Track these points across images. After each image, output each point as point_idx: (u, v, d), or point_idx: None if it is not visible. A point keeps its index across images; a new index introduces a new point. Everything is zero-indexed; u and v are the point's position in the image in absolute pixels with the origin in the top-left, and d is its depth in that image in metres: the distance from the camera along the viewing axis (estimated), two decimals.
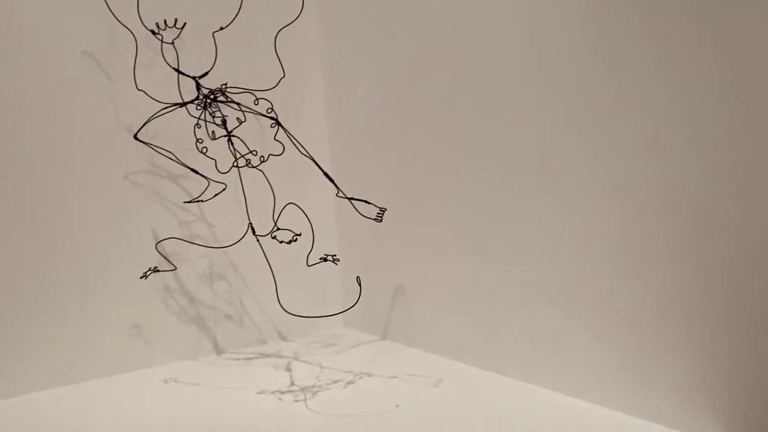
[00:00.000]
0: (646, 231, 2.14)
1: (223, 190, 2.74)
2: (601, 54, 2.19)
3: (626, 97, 2.14)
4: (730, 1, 1.87)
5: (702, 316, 2.03)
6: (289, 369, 2.82)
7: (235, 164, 2.67)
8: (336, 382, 2.64)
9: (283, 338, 3.15)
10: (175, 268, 2.82)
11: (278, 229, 2.66)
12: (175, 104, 2.67)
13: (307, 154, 2.63)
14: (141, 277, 2.72)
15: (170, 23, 2.64)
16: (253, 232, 2.67)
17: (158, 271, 2.76)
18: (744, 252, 1.93)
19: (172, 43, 2.66)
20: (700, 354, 2.03)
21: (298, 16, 2.69)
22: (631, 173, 2.15)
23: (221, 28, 2.66)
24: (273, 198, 2.67)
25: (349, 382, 2.64)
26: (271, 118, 2.63)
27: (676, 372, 2.10)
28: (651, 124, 2.08)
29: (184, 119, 2.68)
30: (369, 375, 2.69)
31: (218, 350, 3.04)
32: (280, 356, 2.96)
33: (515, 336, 2.57)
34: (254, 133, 2.71)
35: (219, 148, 2.68)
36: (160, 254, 2.79)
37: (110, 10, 2.58)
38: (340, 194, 2.67)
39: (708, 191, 1.98)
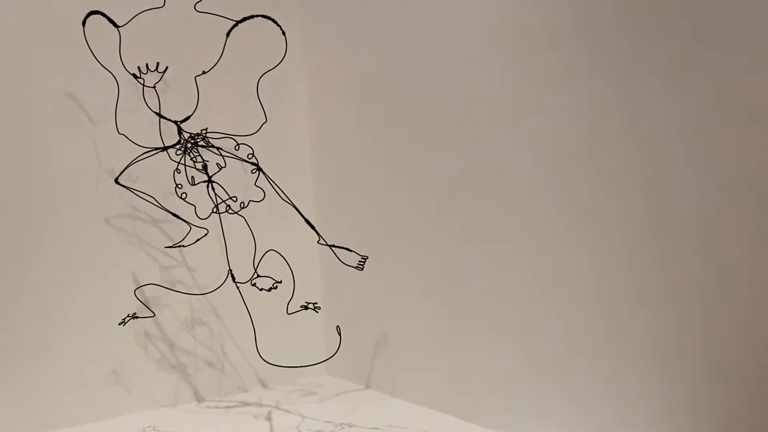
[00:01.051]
0: (627, 285, 2.14)
1: (205, 235, 2.72)
2: (589, 93, 2.19)
3: (613, 156, 2.13)
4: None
5: (682, 374, 2.02)
6: (269, 418, 2.77)
7: (215, 210, 2.65)
8: None
9: (264, 386, 3.10)
10: (154, 315, 2.78)
11: (258, 276, 2.63)
12: (156, 149, 2.65)
13: (288, 201, 2.60)
14: (120, 324, 2.68)
15: (152, 67, 2.63)
16: (233, 279, 2.64)
17: (137, 317, 2.73)
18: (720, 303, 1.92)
19: (154, 87, 2.65)
20: (680, 415, 2.02)
21: (281, 61, 2.68)
22: (611, 220, 2.15)
23: (203, 73, 2.65)
24: (254, 244, 2.65)
25: None
26: (252, 163, 2.61)
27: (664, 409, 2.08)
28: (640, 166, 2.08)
29: (165, 163, 2.66)
30: (350, 426, 2.64)
31: (198, 398, 2.99)
32: (261, 405, 2.92)
33: (498, 387, 2.53)
34: (235, 178, 2.69)
35: (200, 194, 2.66)
36: (139, 300, 2.76)
37: (92, 53, 2.56)
38: (322, 241, 2.65)
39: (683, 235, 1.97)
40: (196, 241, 2.72)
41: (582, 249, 2.24)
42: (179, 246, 2.77)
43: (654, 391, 2.09)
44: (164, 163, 2.66)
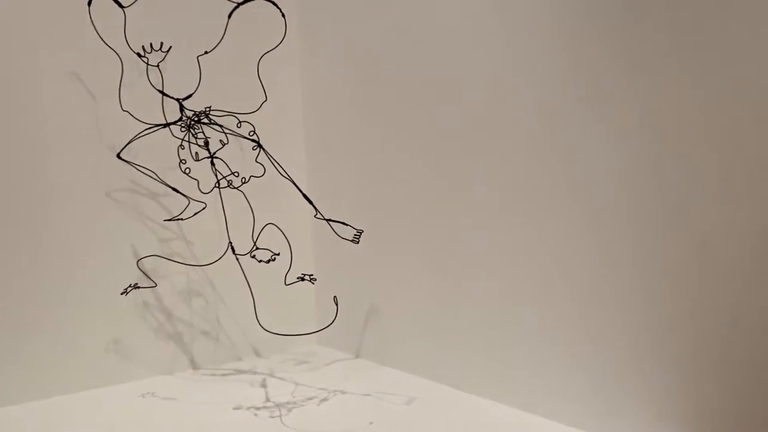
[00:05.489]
0: (618, 257, 2.22)
1: (203, 209, 2.81)
2: (581, 77, 2.28)
3: (606, 135, 2.24)
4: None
5: (673, 345, 2.10)
6: (264, 385, 2.87)
7: (217, 185, 2.73)
8: (310, 399, 2.70)
9: (258, 355, 3.20)
10: (155, 285, 2.87)
11: (257, 248, 2.72)
12: (159, 125, 2.73)
13: (287, 176, 2.69)
14: (122, 294, 2.77)
15: (156, 47, 2.70)
16: (233, 251, 2.73)
17: (138, 287, 2.82)
18: (711, 281, 2.02)
19: (158, 65, 2.72)
20: (670, 380, 2.11)
21: (280, 42, 2.75)
22: (605, 200, 2.24)
23: (206, 52, 2.72)
24: (253, 218, 2.74)
25: (324, 399, 2.69)
26: (253, 140, 2.69)
27: (646, 397, 2.17)
28: (629, 160, 2.19)
29: (166, 140, 2.74)
30: (343, 393, 2.75)
31: (194, 366, 3.09)
32: (256, 372, 3.02)
33: (487, 356, 2.64)
34: (236, 154, 2.77)
35: (201, 169, 2.75)
36: (141, 271, 2.84)
37: (97, 32, 2.62)
38: (319, 215, 2.74)
39: (681, 220, 2.08)
40: (194, 215, 2.81)
41: (578, 225, 2.32)
42: (178, 219, 2.86)
43: (643, 352, 2.18)
44: (165, 139, 2.74)
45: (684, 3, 1.98)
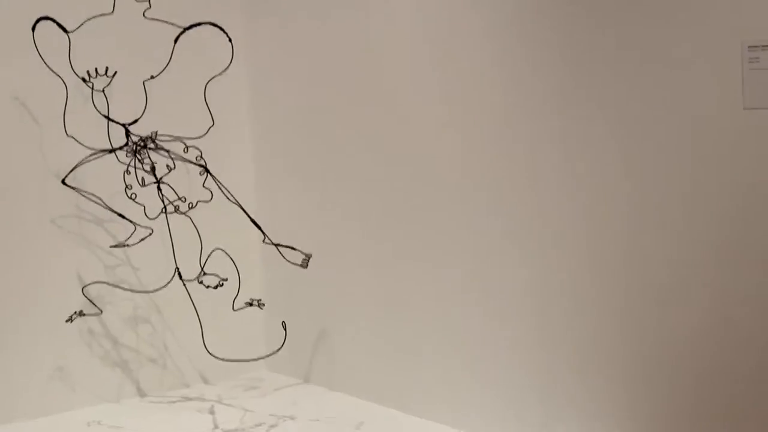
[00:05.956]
0: (558, 288, 2.29)
1: (150, 235, 2.78)
2: (526, 94, 2.33)
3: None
4: None
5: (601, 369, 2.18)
6: (212, 412, 2.84)
7: (164, 210, 2.71)
8: (259, 425, 2.68)
9: (206, 381, 3.17)
10: (101, 312, 2.83)
11: (205, 274, 2.71)
12: (104, 150, 2.71)
13: (234, 201, 2.69)
14: (66, 321, 2.73)
15: (101, 71, 2.68)
16: (180, 276, 2.71)
17: (83, 314, 2.78)
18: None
19: (103, 90, 2.70)
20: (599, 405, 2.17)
21: (227, 67, 2.76)
22: (554, 226, 2.29)
23: (152, 77, 2.72)
24: (200, 243, 2.72)
25: (272, 426, 2.67)
26: (200, 165, 2.69)
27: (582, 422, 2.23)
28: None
29: (112, 165, 2.72)
30: (292, 418, 2.73)
31: (141, 393, 3.05)
32: (204, 399, 2.99)
33: (434, 379, 2.65)
34: (183, 179, 2.76)
35: (148, 195, 2.72)
36: (86, 298, 2.80)
37: (41, 57, 2.60)
38: (267, 240, 2.74)
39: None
40: (140, 241, 2.78)
41: (514, 255, 2.39)
42: (124, 245, 2.83)
43: (577, 387, 2.25)
44: (111, 165, 2.72)
45: None
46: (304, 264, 2.70)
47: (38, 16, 2.60)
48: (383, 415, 2.74)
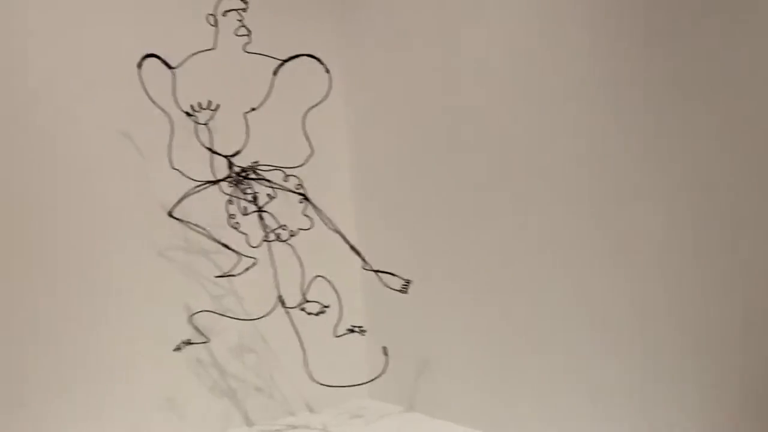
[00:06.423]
0: (653, 300, 2.25)
1: (254, 264, 2.83)
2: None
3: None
4: None
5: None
6: None
7: (266, 239, 2.76)
8: None
9: (311, 410, 3.20)
10: (208, 341, 2.88)
11: (307, 301, 2.74)
12: (209, 182, 2.77)
13: (334, 228, 2.72)
14: (174, 350, 2.80)
15: (204, 105, 2.76)
16: (283, 304, 2.75)
17: (191, 343, 2.83)
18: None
19: (206, 124, 2.77)
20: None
21: (326, 96, 2.80)
22: (641, 246, 2.26)
23: (252, 109, 2.78)
24: (302, 271, 2.76)
25: None
26: (300, 194, 2.73)
27: None
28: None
29: (215, 196, 2.78)
30: None
31: (249, 422, 3.09)
32: (309, 428, 3.01)
33: (538, 407, 2.62)
34: (283, 208, 2.80)
35: (250, 224, 2.78)
36: (193, 327, 2.86)
37: (147, 93, 2.68)
38: (367, 266, 2.76)
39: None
40: (245, 270, 2.83)
41: (618, 269, 2.35)
42: (229, 275, 2.88)
43: (682, 397, 2.19)
44: (214, 196, 2.78)
45: None
46: (404, 290, 2.71)
47: (144, 54, 2.69)
48: None
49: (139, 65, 2.69)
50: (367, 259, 2.76)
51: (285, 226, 2.76)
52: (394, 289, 2.73)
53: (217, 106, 2.78)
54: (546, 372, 2.58)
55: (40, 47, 2.72)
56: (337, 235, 2.73)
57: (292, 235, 2.75)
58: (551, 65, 2.48)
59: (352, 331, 2.75)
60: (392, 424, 3.00)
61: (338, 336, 2.75)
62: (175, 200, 2.78)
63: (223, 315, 2.93)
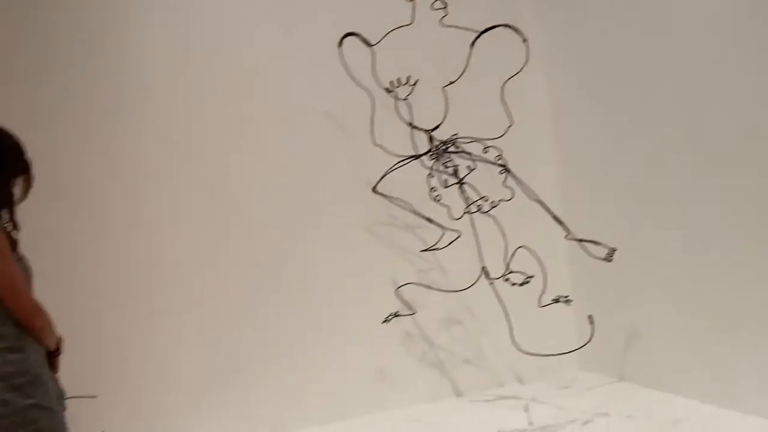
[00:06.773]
0: None
1: (458, 237, 2.86)
2: None
3: None
4: None
5: None
6: (526, 410, 2.86)
7: (467, 210, 2.78)
8: (572, 421, 2.67)
9: (519, 381, 3.20)
10: (415, 312, 2.93)
11: (511, 272, 2.74)
12: (411, 157, 2.82)
13: (536, 199, 2.70)
14: (383, 322, 2.87)
15: (403, 81, 2.80)
16: (487, 275, 2.76)
17: (398, 315, 2.89)
18: None
19: (406, 99, 2.82)
20: None
21: (523, 66, 2.78)
22: None
23: (451, 83, 2.79)
24: (504, 242, 2.76)
25: (586, 422, 2.65)
26: (500, 165, 2.73)
27: None
28: None
29: (416, 171, 2.83)
30: (605, 415, 2.69)
31: (458, 393, 3.13)
32: (518, 398, 3.01)
33: (757, 373, 2.52)
34: (484, 180, 2.82)
35: (451, 197, 2.81)
36: (400, 300, 2.92)
37: (348, 72, 2.76)
38: (570, 236, 2.73)
39: None
40: (449, 244, 2.86)
41: None
42: (434, 249, 2.92)
43: None
44: (416, 170, 2.83)
45: None
46: (609, 258, 2.67)
47: (343, 33, 2.76)
48: (701, 412, 2.64)
49: (340, 44, 2.76)
50: (570, 227, 2.73)
51: (486, 197, 2.76)
52: (599, 258, 2.68)
53: (416, 81, 2.81)
54: (764, 336, 2.47)
55: (243, 37, 2.84)
56: (539, 206, 2.71)
57: (493, 207, 2.75)
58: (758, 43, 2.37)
59: (557, 301, 2.73)
60: (601, 394, 2.97)
61: (543, 306, 2.73)
62: (379, 176, 2.85)
63: (429, 287, 2.97)
